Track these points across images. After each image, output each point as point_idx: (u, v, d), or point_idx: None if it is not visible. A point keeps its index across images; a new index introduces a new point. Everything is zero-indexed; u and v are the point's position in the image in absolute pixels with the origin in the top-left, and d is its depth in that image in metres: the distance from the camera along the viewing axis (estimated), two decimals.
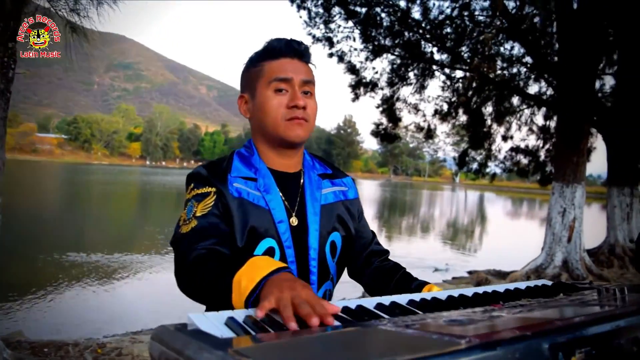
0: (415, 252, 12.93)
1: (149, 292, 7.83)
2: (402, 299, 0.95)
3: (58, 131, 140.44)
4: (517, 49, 11.36)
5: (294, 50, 1.32)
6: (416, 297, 0.97)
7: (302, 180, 1.38)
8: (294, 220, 1.30)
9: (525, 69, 11.75)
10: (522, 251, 11.27)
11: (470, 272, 9.77)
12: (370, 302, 0.91)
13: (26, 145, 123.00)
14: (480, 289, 1.06)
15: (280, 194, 1.31)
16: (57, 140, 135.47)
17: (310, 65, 1.36)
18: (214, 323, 0.75)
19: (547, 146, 13.20)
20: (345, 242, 1.41)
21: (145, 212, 22.11)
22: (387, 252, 1.53)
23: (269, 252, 1.24)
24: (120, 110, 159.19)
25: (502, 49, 11.28)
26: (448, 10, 10.82)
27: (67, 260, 9.37)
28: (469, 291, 1.04)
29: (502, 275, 8.80)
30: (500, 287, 1.09)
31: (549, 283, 1.18)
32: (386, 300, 0.93)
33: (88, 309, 6.67)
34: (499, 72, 10.91)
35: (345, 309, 0.86)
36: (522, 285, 1.13)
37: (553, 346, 0.60)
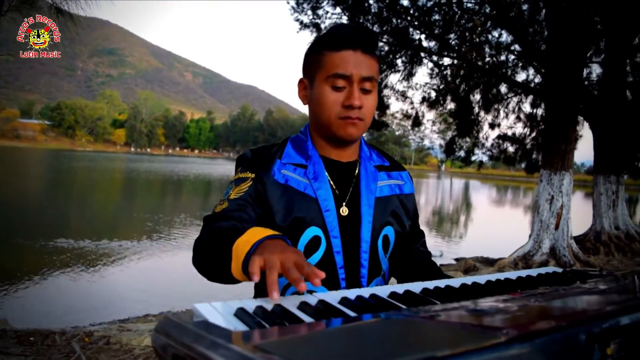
0: None
1: (135, 279, 7.77)
2: (416, 287, 0.91)
3: (41, 117, 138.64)
4: (505, 37, 11.35)
5: (359, 41, 1.22)
6: (430, 285, 0.93)
7: (357, 171, 1.33)
8: (344, 210, 1.26)
9: (513, 57, 11.75)
10: (509, 238, 11.38)
11: (457, 259, 9.83)
12: (383, 291, 0.87)
13: (8, 131, 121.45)
14: (492, 277, 1.02)
15: (331, 182, 1.28)
16: (41, 126, 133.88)
17: (372, 57, 1.25)
18: (222, 314, 0.71)
19: (533, 134, 13.26)
20: (399, 237, 1.36)
21: (131, 199, 21.92)
22: (429, 253, 1.50)
23: (315, 241, 1.21)
24: (105, 96, 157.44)
25: (490, 36, 11.27)
26: None
27: (52, 248, 9.25)
28: (481, 279, 1.00)
29: (489, 263, 8.86)
30: (512, 275, 1.05)
31: (560, 270, 1.14)
32: (400, 288, 0.89)
33: (74, 296, 6.60)
34: (487, 59, 10.91)
35: (358, 298, 0.82)
36: (533, 272, 1.09)
37: (590, 337, 0.57)
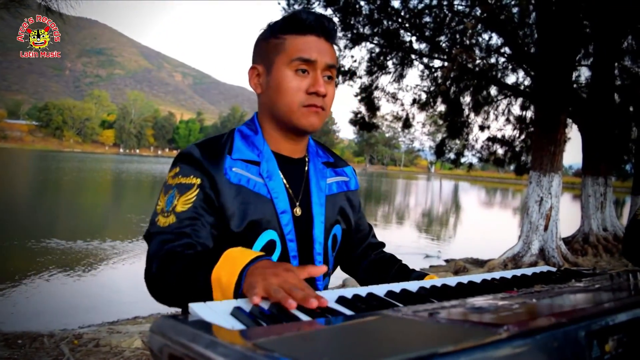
0: (394, 240, 13.00)
1: (123, 280, 7.71)
2: (412, 286, 0.91)
3: (29, 117, 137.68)
4: (496, 39, 11.45)
5: (323, 28, 1.17)
6: (426, 284, 0.93)
7: (307, 168, 1.27)
8: (298, 211, 1.20)
9: (503, 59, 11.85)
10: (498, 240, 11.45)
11: (447, 261, 9.86)
12: (380, 290, 0.87)
13: None
14: (487, 276, 1.02)
15: (284, 181, 1.20)
16: (28, 127, 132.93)
17: (333, 46, 1.22)
18: (218, 313, 0.70)
19: (523, 136, 13.36)
20: (345, 235, 1.34)
21: (120, 200, 21.80)
22: (383, 244, 1.47)
23: (270, 245, 1.14)
24: (93, 96, 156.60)
25: (480, 39, 11.35)
26: (427, 0, 10.83)
27: (40, 249, 9.17)
28: (477, 278, 1.00)
29: (479, 264, 8.89)
30: (507, 274, 1.06)
31: (554, 269, 1.15)
32: (396, 287, 0.89)
33: (62, 299, 6.54)
34: (477, 62, 10.97)
35: (356, 297, 0.81)
36: (528, 271, 1.10)
37: (589, 334, 0.57)
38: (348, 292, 0.83)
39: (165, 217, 1.08)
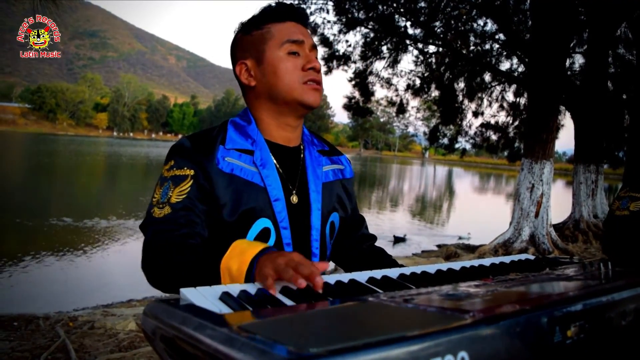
0: (384, 225, 13.08)
1: (118, 264, 7.75)
2: (393, 273, 0.96)
3: (21, 100, 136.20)
4: (490, 26, 11.44)
5: (299, 14, 1.26)
6: (406, 271, 0.97)
7: (302, 156, 1.30)
8: (295, 199, 1.23)
9: (497, 46, 11.84)
10: (490, 225, 11.54)
11: (439, 246, 9.95)
12: (362, 276, 0.91)
13: None
14: (467, 263, 1.07)
15: (279, 169, 1.23)
16: (21, 109, 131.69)
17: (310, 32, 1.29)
18: (207, 298, 0.74)
19: (516, 123, 13.40)
20: (342, 222, 1.36)
21: (113, 183, 21.75)
22: (375, 237, 1.50)
23: (264, 233, 1.16)
24: (86, 79, 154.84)
25: (475, 25, 11.34)
26: None
27: (35, 233, 9.18)
28: (456, 265, 1.05)
29: (471, 249, 8.98)
30: (486, 262, 1.10)
31: (532, 257, 1.19)
32: (377, 274, 0.93)
33: (57, 281, 6.58)
34: (471, 48, 10.97)
35: (338, 283, 0.86)
36: (506, 259, 1.14)
37: (551, 320, 0.61)
38: (331, 279, 0.87)
39: (160, 209, 1.11)
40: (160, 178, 1.18)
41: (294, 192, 1.23)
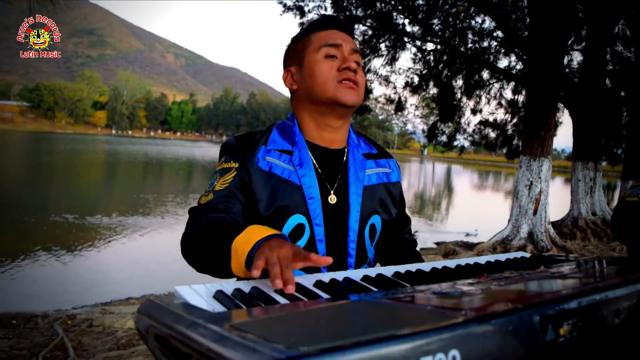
0: None
1: (117, 262, 7.75)
2: (387, 271, 0.96)
3: (20, 98, 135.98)
4: (488, 23, 11.44)
5: (341, 22, 1.32)
6: (401, 269, 0.97)
7: (345, 158, 1.33)
8: (333, 198, 1.26)
9: (495, 43, 11.84)
10: (489, 223, 11.55)
11: (437, 244, 9.95)
12: (356, 274, 0.91)
13: None
14: (462, 261, 1.07)
15: (318, 169, 1.27)
16: (19, 107, 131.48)
17: (355, 40, 1.34)
18: (201, 296, 0.74)
19: (514, 120, 13.40)
20: (385, 226, 1.37)
21: (112, 181, 21.73)
22: (415, 242, 1.50)
23: (299, 228, 1.21)
24: (85, 77, 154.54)
25: (473, 22, 11.33)
26: None
27: (33, 231, 9.18)
28: (452, 263, 1.05)
29: (469, 247, 8.99)
30: (482, 259, 1.10)
31: (528, 255, 1.20)
32: (372, 272, 0.93)
33: (56, 279, 6.57)
34: (470, 45, 10.97)
35: (333, 281, 0.86)
36: (502, 257, 1.14)
37: (543, 318, 0.61)
38: (325, 277, 0.87)
39: (205, 196, 1.21)
40: (214, 172, 1.28)
41: (332, 192, 1.27)
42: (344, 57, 1.26)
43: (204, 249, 1.06)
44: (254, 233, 0.96)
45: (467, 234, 11.20)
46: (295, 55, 1.32)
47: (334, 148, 1.33)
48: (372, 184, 1.35)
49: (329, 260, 0.84)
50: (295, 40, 1.35)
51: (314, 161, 1.27)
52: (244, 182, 1.21)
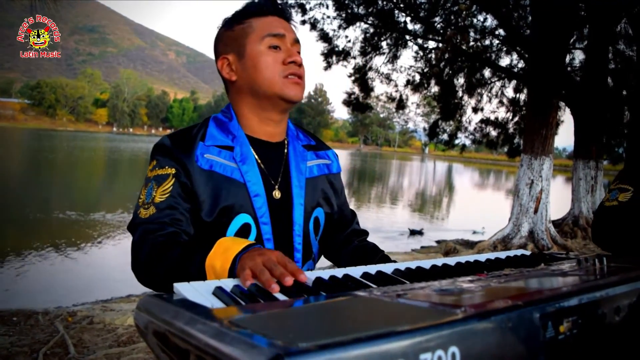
0: (385, 221, 13.10)
1: (117, 259, 7.75)
2: (388, 268, 0.95)
3: (21, 96, 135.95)
4: (490, 21, 11.40)
5: (280, 9, 1.25)
6: (401, 266, 0.97)
7: (286, 151, 1.29)
8: (277, 194, 1.22)
9: (497, 42, 11.81)
10: (489, 222, 11.56)
11: (438, 242, 9.95)
12: (356, 271, 0.91)
13: None
14: (462, 259, 1.06)
15: (261, 164, 1.22)
16: (20, 105, 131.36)
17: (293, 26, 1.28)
18: (201, 293, 0.74)
19: (516, 119, 13.38)
20: (328, 219, 1.34)
21: (113, 179, 21.75)
22: (366, 233, 1.48)
23: (245, 228, 1.16)
24: (86, 75, 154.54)
25: (475, 20, 11.30)
26: None
27: (34, 228, 9.19)
28: (451, 260, 1.04)
29: (470, 245, 8.99)
30: (482, 257, 1.10)
31: (528, 253, 1.19)
32: (372, 269, 0.93)
33: (56, 277, 6.58)
34: (471, 43, 10.94)
35: (332, 278, 0.86)
36: (502, 255, 1.14)
37: (543, 316, 0.61)
38: (325, 274, 0.87)
39: (145, 209, 1.12)
40: (145, 179, 1.18)
41: (276, 187, 1.23)
42: (287, 48, 1.22)
43: (167, 272, 0.99)
44: (228, 248, 0.92)
45: (474, 232, 11.23)
46: (233, 42, 1.24)
47: (275, 141, 1.28)
48: (314, 176, 1.32)
49: (305, 279, 0.81)
50: (231, 24, 1.26)
51: (256, 156, 1.22)
52: (185, 187, 1.14)
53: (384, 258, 1.31)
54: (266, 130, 1.27)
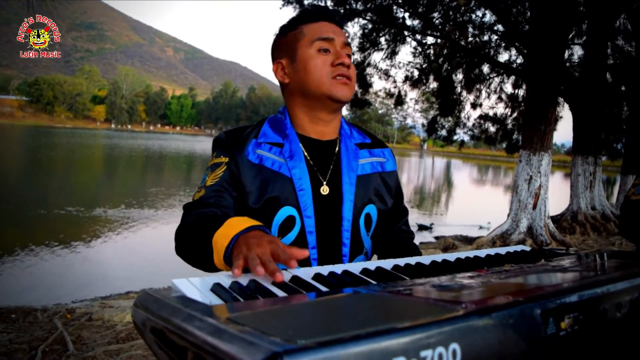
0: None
1: (116, 256, 7.75)
2: (387, 264, 0.95)
3: (19, 93, 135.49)
4: (489, 17, 11.38)
5: (332, 15, 1.31)
6: (400, 262, 0.97)
7: (337, 149, 1.34)
8: (325, 189, 1.27)
9: (496, 37, 11.79)
10: (488, 217, 11.57)
11: (437, 238, 9.96)
12: (355, 267, 0.90)
13: None
14: (462, 255, 1.06)
15: (310, 161, 1.28)
16: (18, 102, 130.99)
17: (345, 32, 1.34)
18: (199, 289, 0.74)
19: (514, 114, 13.38)
20: (381, 215, 1.37)
21: (112, 175, 21.72)
22: (412, 234, 1.49)
23: (289, 220, 1.22)
24: (84, 71, 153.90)
25: (473, 16, 11.28)
26: None
27: (32, 225, 9.18)
28: (451, 256, 1.04)
29: (468, 241, 8.99)
30: (482, 253, 1.09)
31: (528, 249, 1.19)
32: (371, 265, 0.93)
33: (55, 273, 6.57)
34: (470, 39, 10.92)
35: (332, 274, 0.85)
36: (502, 250, 1.14)
37: (545, 312, 0.60)
38: (324, 270, 0.86)
39: (198, 192, 1.23)
40: (206, 168, 1.30)
41: (325, 183, 1.28)
42: (336, 51, 1.27)
43: (194, 243, 1.07)
44: (233, 226, 0.97)
45: (481, 227, 11.27)
46: (286, 47, 1.31)
47: (326, 139, 1.33)
48: (366, 174, 1.35)
49: (302, 254, 0.85)
50: (285, 31, 1.33)
51: (305, 153, 1.28)
52: (234, 175, 1.23)
53: (412, 250, 1.36)
54: (317, 129, 1.33)
